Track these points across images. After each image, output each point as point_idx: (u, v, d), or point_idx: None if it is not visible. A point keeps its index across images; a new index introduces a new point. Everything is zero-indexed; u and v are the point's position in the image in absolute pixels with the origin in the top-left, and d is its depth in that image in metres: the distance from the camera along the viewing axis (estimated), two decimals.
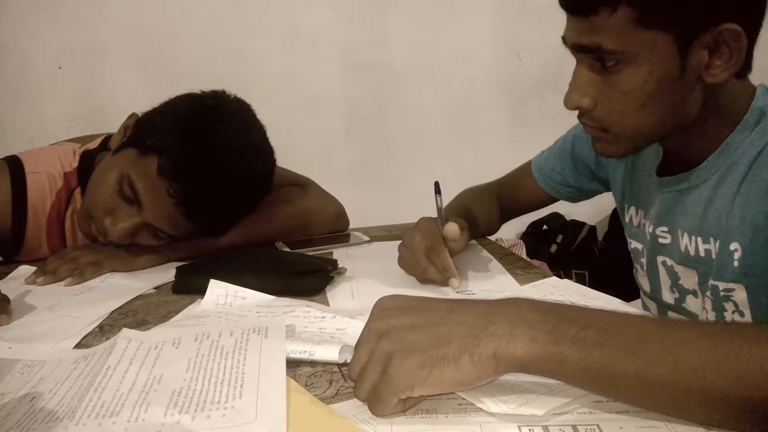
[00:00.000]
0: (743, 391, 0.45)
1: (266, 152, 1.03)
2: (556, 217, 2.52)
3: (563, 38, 0.76)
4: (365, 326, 0.55)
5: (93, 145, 1.14)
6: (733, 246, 0.75)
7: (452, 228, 0.86)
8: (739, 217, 0.74)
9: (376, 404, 0.51)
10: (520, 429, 0.49)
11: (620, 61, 0.70)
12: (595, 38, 0.70)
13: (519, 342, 0.48)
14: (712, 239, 0.78)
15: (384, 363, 0.50)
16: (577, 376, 0.48)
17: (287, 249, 1.08)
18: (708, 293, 0.80)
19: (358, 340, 0.55)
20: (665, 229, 0.86)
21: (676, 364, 0.46)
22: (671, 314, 0.89)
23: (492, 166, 1.25)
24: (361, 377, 0.52)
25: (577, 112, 0.79)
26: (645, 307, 0.97)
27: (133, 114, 1.04)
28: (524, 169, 1.16)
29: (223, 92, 1.02)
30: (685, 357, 0.46)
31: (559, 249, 2.46)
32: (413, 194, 1.05)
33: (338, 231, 1.20)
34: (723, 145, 0.77)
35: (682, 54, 0.69)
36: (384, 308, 0.56)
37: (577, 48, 0.73)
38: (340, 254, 1.05)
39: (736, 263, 0.75)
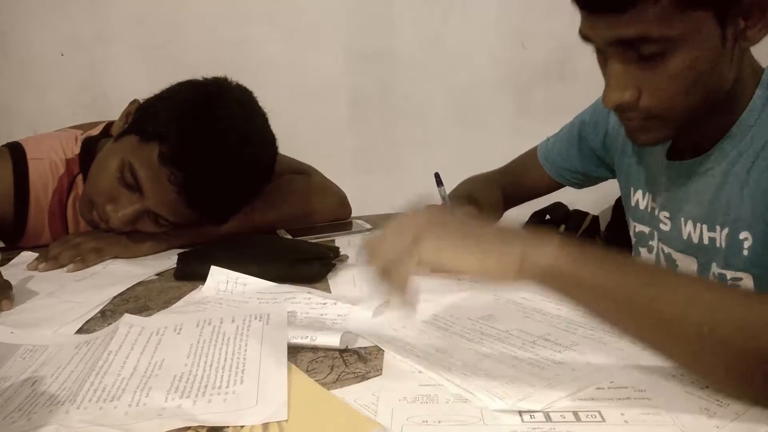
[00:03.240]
0: (748, 340, 0.48)
1: (268, 139, 1.03)
2: (558, 206, 2.50)
3: (585, 36, 0.73)
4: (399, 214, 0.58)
5: (95, 131, 1.14)
6: (743, 235, 0.74)
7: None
8: (750, 206, 0.73)
9: (395, 270, 0.55)
10: (521, 415, 0.49)
11: (666, 47, 0.68)
12: (638, 30, 0.67)
13: (545, 253, 0.52)
14: (718, 227, 0.78)
15: (416, 231, 0.54)
16: (592, 295, 0.52)
17: (289, 237, 1.08)
18: None
19: (387, 226, 0.58)
20: (667, 214, 0.86)
21: (689, 300, 0.49)
22: None
23: (496, 155, 1.24)
24: (385, 242, 0.56)
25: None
26: None
27: (135, 101, 1.03)
28: (530, 156, 1.16)
29: (225, 79, 1.01)
30: (699, 296, 0.50)
31: None
32: (417, 182, 1.04)
33: (340, 219, 1.20)
34: (733, 129, 0.76)
35: (721, 25, 0.68)
36: (422, 207, 0.59)
37: (615, 43, 0.70)
38: (341, 242, 1.05)
39: (746, 252, 0.74)
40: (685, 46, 0.68)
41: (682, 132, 0.79)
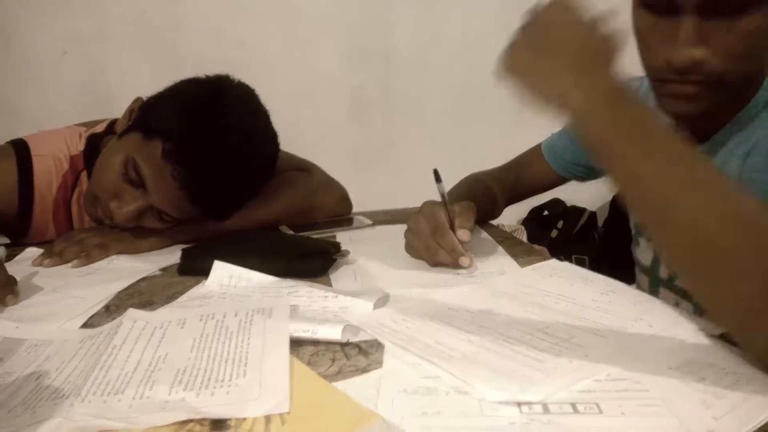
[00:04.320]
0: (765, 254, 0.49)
1: (270, 136, 1.04)
2: (556, 203, 2.52)
3: None
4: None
5: (99, 128, 1.15)
6: None
7: (464, 234, 0.86)
8: (749, 188, 0.74)
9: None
10: (519, 406, 0.50)
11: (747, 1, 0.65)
12: None
13: (584, 97, 0.57)
14: None
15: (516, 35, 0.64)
16: (620, 145, 0.56)
17: (291, 232, 1.09)
18: None
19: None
20: None
21: (707, 206, 0.52)
22: (663, 290, 0.90)
23: (495, 152, 1.25)
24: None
25: None
26: (638, 283, 0.98)
27: (138, 98, 1.04)
28: (533, 152, 1.17)
29: (227, 77, 1.02)
30: (725, 193, 0.53)
31: (559, 234, 2.47)
32: (416, 179, 1.05)
33: (341, 215, 1.21)
34: (734, 121, 0.76)
35: None
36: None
37: None
38: (343, 237, 1.06)
39: None
40: (765, 4, 0.65)
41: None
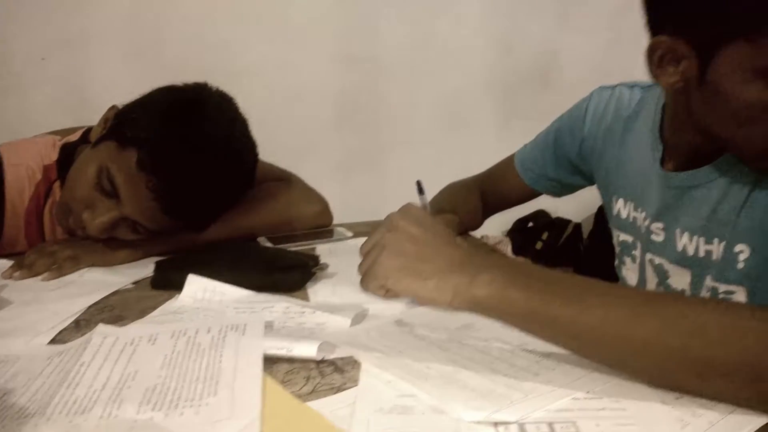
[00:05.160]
0: (668, 339, 0.51)
1: (248, 146, 1.02)
2: (541, 214, 2.52)
3: None
4: (389, 215, 0.66)
5: (74, 137, 1.13)
6: (739, 247, 0.74)
7: None
8: (749, 218, 0.73)
9: (363, 281, 0.64)
10: (496, 426, 0.49)
11: None
12: None
13: (478, 284, 0.57)
14: (716, 240, 0.77)
15: (378, 252, 0.62)
16: (520, 317, 0.57)
17: (270, 244, 1.07)
18: (707, 295, 0.78)
19: (381, 223, 0.66)
20: (660, 225, 0.84)
21: (607, 313, 0.54)
22: None
23: (481, 160, 1.24)
24: (365, 256, 0.64)
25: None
26: None
27: (114, 106, 1.02)
28: (507, 163, 1.15)
29: (205, 84, 1.00)
30: (615, 308, 0.54)
31: (544, 246, 2.47)
32: (402, 187, 1.04)
33: (322, 226, 1.19)
34: None
35: None
36: (407, 212, 0.66)
37: None
38: (323, 249, 1.05)
39: (741, 265, 0.74)
40: None
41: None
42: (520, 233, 2.52)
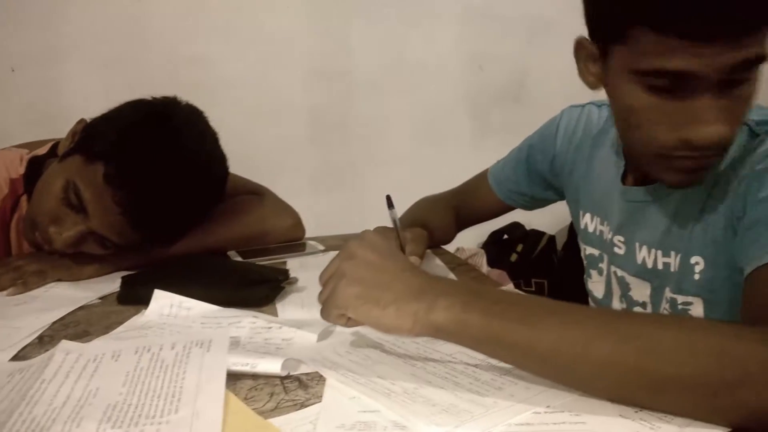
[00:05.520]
0: (623, 358, 0.52)
1: (217, 160, 1.02)
2: (516, 226, 2.54)
3: (691, 73, 0.63)
4: (347, 241, 0.66)
5: (42, 151, 1.11)
6: (695, 259, 0.75)
7: (414, 261, 0.86)
8: (703, 231, 0.74)
9: (323, 310, 0.63)
10: None
11: (755, 71, 0.64)
12: (757, 51, 0.62)
13: (437, 310, 0.57)
14: (673, 253, 0.78)
15: (337, 281, 0.62)
16: (480, 341, 0.57)
17: (239, 258, 1.07)
18: (666, 306, 0.80)
19: (339, 252, 0.65)
20: (621, 239, 0.86)
21: (563, 334, 0.54)
22: None
23: (454, 175, 1.25)
24: (324, 285, 0.64)
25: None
26: None
27: (81, 120, 1.02)
28: (480, 178, 1.16)
29: (174, 98, 1.00)
30: (571, 329, 0.54)
31: (519, 258, 2.48)
32: (375, 202, 1.04)
33: (293, 240, 1.19)
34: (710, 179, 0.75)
35: None
36: (363, 239, 0.65)
37: (726, 70, 0.62)
38: (293, 264, 1.05)
39: (697, 276, 0.75)
40: (754, 70, 0.65)
41: None
42: (495, 245, 2.53)
